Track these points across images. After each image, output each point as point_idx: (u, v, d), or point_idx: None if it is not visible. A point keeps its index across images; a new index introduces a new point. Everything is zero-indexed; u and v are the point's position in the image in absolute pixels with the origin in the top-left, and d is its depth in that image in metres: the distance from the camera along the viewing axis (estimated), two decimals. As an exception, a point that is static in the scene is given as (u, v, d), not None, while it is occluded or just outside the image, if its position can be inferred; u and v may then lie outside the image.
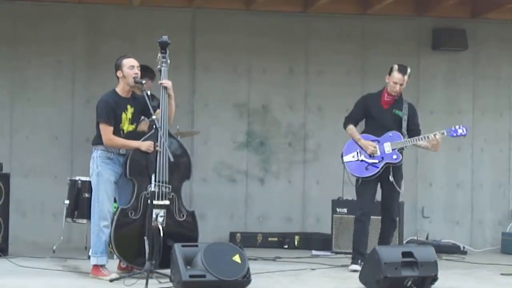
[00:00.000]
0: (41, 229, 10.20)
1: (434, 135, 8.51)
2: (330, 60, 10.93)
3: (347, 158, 8.60)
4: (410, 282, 7.03)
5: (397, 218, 8.95)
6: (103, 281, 7.43)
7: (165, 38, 7.73)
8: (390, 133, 8.59)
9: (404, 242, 10.11)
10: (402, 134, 8.58)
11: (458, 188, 11.18)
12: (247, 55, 10.84)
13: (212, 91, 10.79)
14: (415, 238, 10.52)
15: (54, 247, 8.92)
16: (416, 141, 8.56)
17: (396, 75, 8.53)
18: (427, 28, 11.12)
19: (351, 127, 8.67)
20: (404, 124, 8.62)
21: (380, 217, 8.73)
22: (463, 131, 8.61)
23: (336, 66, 10.91)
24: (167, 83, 7.68)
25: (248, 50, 10.84)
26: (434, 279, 7.16)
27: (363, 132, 8.68)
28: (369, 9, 10.82)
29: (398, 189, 8.58)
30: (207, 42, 10.75)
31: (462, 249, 10.42)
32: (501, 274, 8.47)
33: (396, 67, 8.57)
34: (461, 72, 11.23)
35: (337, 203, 9.98)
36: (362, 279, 7.30)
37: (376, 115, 8.61)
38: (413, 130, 8.66)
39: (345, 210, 9.79)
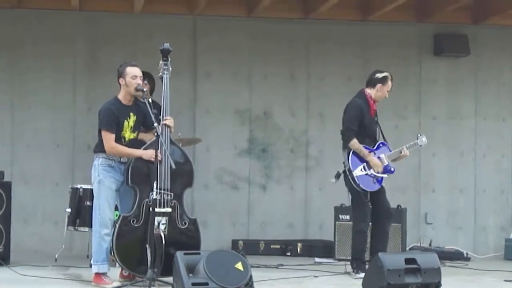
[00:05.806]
0: (43, 237, 10.19)
1: (410, 146, 8.75)
2: (332, 66, 10.92)
3: (357, 172, 8.47)
4: (413, 289, 7.03)
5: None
6: (105, 289, 7.43)
7: (166, 45, 7.71)
8: (381, 144, 8.67)
9: (407, 248, 10.09)
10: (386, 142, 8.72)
11: (461, 193, 11.16)
12: (248, 61, 10.83)
13: (214, 98, 10.77)
14: (418, 244, 10.49)
15: (56, 256, 8.88)
16: (402, 152, 8.66)
17: (390, 83, 8.64)
18: (429, 34, 11.11)
19: (356, 141, 8.49)
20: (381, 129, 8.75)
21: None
22: (423, 140, 8.84)
23: (337, 72, 10.90)
24: (170, 122, 7.65)
25: (250, 56, 10.83)
26: (438, 285, 7.13)
27: None
28: (370, 15, 10.81)
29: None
30: (208, 49, 10.74)
31: (465, 255, 10.39)
32: (505, 280, 8.45)
33: (389, 76, 8.63)
34: (463, 77, 11.22)
35: (340, 210, 9.94)
36: (365, 286, 7.27)
37: (368, 125, 8.58)
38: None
39: (348, 217, 9.74)
